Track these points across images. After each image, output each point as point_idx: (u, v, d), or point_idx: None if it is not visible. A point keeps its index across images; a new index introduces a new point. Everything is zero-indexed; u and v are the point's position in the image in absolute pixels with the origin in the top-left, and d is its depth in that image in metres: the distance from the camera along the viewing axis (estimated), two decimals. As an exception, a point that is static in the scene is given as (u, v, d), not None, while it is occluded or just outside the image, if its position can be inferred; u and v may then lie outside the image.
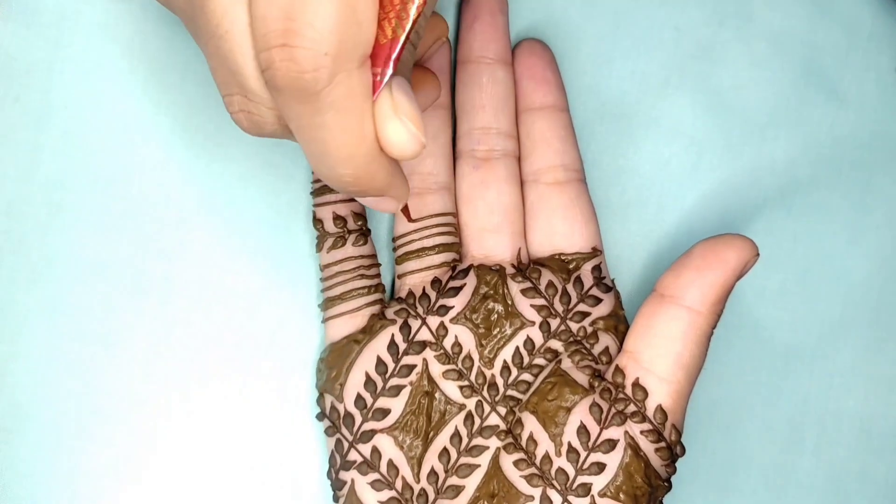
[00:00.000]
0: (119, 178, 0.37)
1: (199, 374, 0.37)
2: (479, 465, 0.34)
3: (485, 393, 0.35)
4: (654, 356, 0.33)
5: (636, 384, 0.34)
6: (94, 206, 0.37)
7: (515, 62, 0.37)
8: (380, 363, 0.35)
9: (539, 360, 0.35)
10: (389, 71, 0.26)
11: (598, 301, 0.36)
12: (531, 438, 0.34)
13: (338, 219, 0.36)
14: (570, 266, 0.36)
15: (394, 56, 0.26)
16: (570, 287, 0.36)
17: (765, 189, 0.39)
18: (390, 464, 0.35)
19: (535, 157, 0.37)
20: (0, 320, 0.36)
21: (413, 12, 0.26)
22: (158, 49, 0.37)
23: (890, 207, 0.39)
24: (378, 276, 0.37)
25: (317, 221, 0.36)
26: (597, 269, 0.36)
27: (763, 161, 0.39)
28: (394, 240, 0.37)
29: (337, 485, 0.35)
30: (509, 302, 0.36)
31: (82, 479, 0.37)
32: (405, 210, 0.35)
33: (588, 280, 0.36)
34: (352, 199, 0.36)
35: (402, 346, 0.35)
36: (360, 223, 0.36)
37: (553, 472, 0.33)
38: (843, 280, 0.39)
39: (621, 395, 0.34)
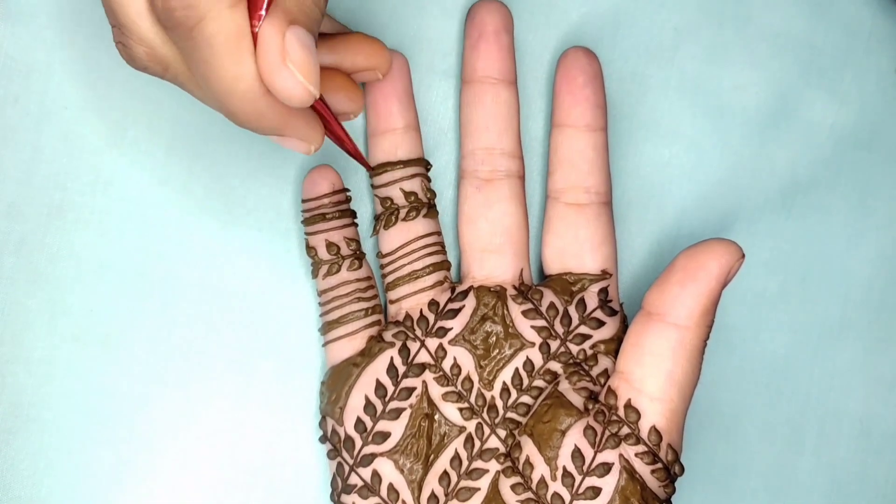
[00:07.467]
0: (119, 179, 0.37)
1: (200, 376, 0.37)
2: (478, 489, 0.34)
3: (485, 415, 0.35)
4: (645, 376, 0.33)
5: (628, 405, 0.33)
6: (94, 207, 0.37)
7: (557, 71, 0.36)
8: (379, 386, 0.35)
9: (539, 383, 0.35)
10: (263, 14, 0.27)
11: (601, 324, 0.35)
12: (528, 462, 0.34)
13: (331, 245, 0.36)
14: (575, 287, 0.36)
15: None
16: (571, 309, 0.35)
17: (765, 190, 0.39)
18: (391, 488, 0.35)
19: (558, 175, 0.36)
20: (0, 321, 0.36)
21: None
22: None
23: (890, 208, 0.39)
24: (375, 297, 0.36)
25: (310, 249, 0.36)
26: (603, 291, 0.36)
27: (763, 162, 0.39)
28: (382, 266, 0.37)
29: None
30: (509, 323, 0.35)
31: (82, 480, 0.37)
32: (362, 160, 0.34)
33: (592, 302, 0.36)
34: (344, 226, 0.36)
35: (402, 368, 0.35)
36: (353, 247, 0.36)
37: (549, 496, 0.33)
38: (843, 281, 0.39)
39: (615, 418, 0.33)
